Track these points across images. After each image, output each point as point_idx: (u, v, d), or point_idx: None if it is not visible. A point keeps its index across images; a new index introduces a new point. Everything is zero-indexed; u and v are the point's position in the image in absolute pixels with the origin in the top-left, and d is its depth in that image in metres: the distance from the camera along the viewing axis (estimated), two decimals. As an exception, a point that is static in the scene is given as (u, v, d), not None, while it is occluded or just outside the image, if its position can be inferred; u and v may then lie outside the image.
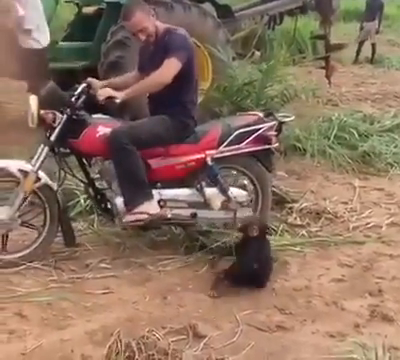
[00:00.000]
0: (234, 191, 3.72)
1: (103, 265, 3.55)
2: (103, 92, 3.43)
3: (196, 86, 3.77)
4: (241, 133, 3.66)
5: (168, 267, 3.55)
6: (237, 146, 3.67)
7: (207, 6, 6.45)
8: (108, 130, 3.47)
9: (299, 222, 4.20)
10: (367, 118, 6.45)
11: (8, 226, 3.49)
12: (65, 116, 3.44)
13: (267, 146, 3.74)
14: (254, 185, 3.84)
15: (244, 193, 3.76)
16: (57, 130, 3.45)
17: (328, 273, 3.54)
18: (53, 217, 3.57)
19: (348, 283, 3.43)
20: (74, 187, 4.43)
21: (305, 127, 5.86)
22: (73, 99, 3.47)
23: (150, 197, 3.51)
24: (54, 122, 3.45)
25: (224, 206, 3.68)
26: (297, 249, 3.80)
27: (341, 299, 3.23)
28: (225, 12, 6.67)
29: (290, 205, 4.41)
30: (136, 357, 2.50)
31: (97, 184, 3.65)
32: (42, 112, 3.48)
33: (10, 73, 5.93)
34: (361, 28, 12.12)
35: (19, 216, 3.51)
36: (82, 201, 4.28)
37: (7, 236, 3.56)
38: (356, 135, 5.81)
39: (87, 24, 6.52)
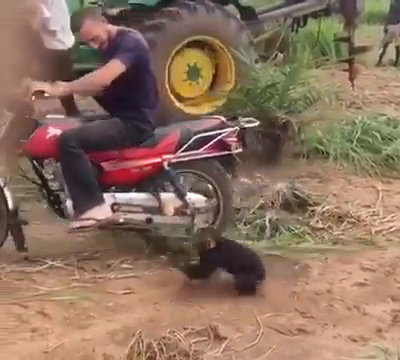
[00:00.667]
0: (192, 196, 3.67)
1: (125, 265, 3.57)
2: (36, 85, 3.33)
3: (154, 89, 3.65)
4: (200, 138, 3.59)
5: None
6: (195, 151, 3.59)
7: (231, 8, 6.45)
8: (58, 131, 3.43)
9: (321, 225, 4.18)
10: (391, 121, 6.37)
11: None
12: (12, 116, 3.41)
13: (227, 152, 3.67)
14: (215, 190, 3.76)
15: (203, 198, 3.70)
16: (4, 131, 3.42)
17: (350, 277, 3.52)
18: (2, 220, 3.47)
19: (370, 287, 3.41)
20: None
21: (328, 130, 5.82)
22: (23, 99, 3.41)
23: (100, 201, 3.43)
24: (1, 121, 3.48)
25: (180, 212, 3.62)
26: (319, 252, 3.78)
27: (363, 303, 3.21)
28: (249, 14, 6.65)
29: (312, 208, 4.38)
30: (157, 358, 2.52)
31: (50, 185, 3.56)
32: None
33: (33, 74, 5.99)
34: (385, 30, 12.01)
35: None
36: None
37: None
38: (379, 138, 5.75)
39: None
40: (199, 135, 3.59)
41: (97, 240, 3.87)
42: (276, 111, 5.33)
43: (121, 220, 3.51)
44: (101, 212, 3.42)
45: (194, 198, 3.66)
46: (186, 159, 3.59)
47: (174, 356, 2.54)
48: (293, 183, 4.61)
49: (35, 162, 3.53)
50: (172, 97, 6.15)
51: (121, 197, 3.54)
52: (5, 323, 2.94)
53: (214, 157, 3.67)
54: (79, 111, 5.85)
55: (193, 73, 6.25)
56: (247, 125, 3.76)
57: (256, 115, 5.42)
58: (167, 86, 6.10)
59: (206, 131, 3.63)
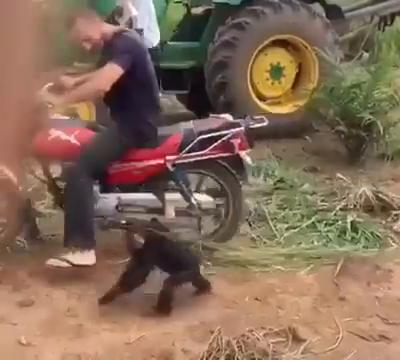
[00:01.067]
0: (199, 197, 3.60)
1: (206, 262, 3.57)
2: (43, 97, 3.36)
3: (153, 89, 3.57)
4: (204, 139, 3.50)
5: (267, 268, 3.53)
6: (199, 152, 3.50)
7: (316, 6, 6.36)
8: (59, 133, 3.43)
9: (405, 230, 4.06)
10: None
11: None
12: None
13: (232, 153, 3.54)
14: (224, 191, 3.69)
15: (210, 199, 3.64)
16: None
17: (435, 284, 3.39)
18: (16, 212, 3.58)
19: None
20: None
21: (415, 131, 5.64)
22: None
23: (90, 246, 3.33)
24: None
25: (187, 213, 3.57)
26: (403, 257, 3.67)
27: None
28: (334, 12, 6.53)
29: (396, 212, 4.24)
30: (236, 356, 2.51)
31: (58, 183, 3.62)
32: None
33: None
34: None
35: None
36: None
37: None
38: None
39: (195, 24, 6.63)
40: (202, 136, 3.50)
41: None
42: (360, 111, 5.22)
43: (123, 221, 3.43)
44: (86, 258, 3.32)
45: (201, 199, 3.61)
46: (189, 160, 3.51)
47: (252, 355, 2.53)
48: (376, 186, 4.50)
49: (42, 161, 3.60)
50: (253, 96, 6.15)
51: (125, 198, 3.55)
52: (88, 314, 3.04)
53: (220, 158, 3.59)
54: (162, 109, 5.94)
55: (276, 72, 6.22)
56: (254, 125, 3.62)
57: (340, 115, 5.37)
58: (249, 85, 6.10)
59: (211, 132, 3.52)
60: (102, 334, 2.88)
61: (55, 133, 3.44)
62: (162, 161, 3.49)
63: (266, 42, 6.07)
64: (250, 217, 4.19)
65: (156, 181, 3.56)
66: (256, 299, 3.19)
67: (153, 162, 3.50)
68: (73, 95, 3.42)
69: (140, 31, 5.56)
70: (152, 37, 5.69)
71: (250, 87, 6.11)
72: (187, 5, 6.96)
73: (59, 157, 3.50)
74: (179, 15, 7.29)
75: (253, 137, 3.60)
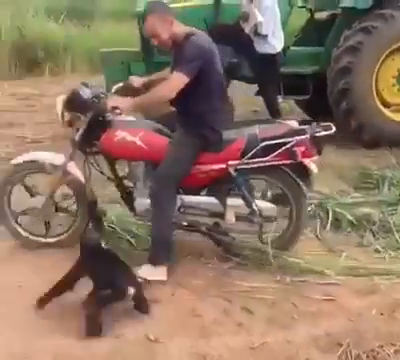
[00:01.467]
0: (261, 204, 3.53)
1: (327, 271, 3.52)
2: (111, 101, 3.40)
3: (218, 94, 3.50)
4: (268, 145, 3.42)
5: (396, 280, 3.41)
6: (261, 159, 3.44)
7: None
8: (125, 134, 3.48)
9: None
10: None
11: (43, 213, 3.74)
12: (87, 119, 3.51)
13: (294, 161, 3.44)
14: (288, 199, 3.59)
15: (272, 207, 3.56)
16: (80, 132, 3.55)
17: None
18: (83, 211, 3.73)
19: None
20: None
21: None
22: (95, 102, 3.51)
23: (167, 262, 3.47)
24: (77, 123, 3.56)
25: (247, 219, 3.52)
26: None
27: None
28: None
29: None
30: (367, 371, 2.46)
31: (125, 182, 3.70)
32: (66, 114, 3.59)
33: (244, 77, 6.21)
34: None
35: (53, 205, 3.75)
36: (306, 205, 4.34)
37: (49, 223, 3.81)
38: None
39: (319, 29, 6.55)
40: (266, 143, 3.44)
41: (308, 243, 3.89)
42: None
43: (185, 223, 3.56)
44: (158, 273, 3.43)
45: (262, 206, 3.55)
46: (252, 166, 3.47)
47: (383, 371, 2.47)
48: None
49: (110, 160, 3.66)
50: (377, 102, 5.98)
51: (188, 200, 3.56)
52: (211, 315, 3.08)
53: (284, 165, 3.51)
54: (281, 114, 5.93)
55: (402, 78, 6.02)
56: (320, 133, 3.47)
57: None
58: (373, 91, 5.94)
59: (275, 138, 3.45)
60: (225, 336, 2.90)
61: (121, 134, 3.51)
62: (224, 166, 3.49)
63: (394, 47, 5.88)
64: (374, 228, 4.08)
65: (219, 185, 3.57)
66: (383, 313, 3.09)
67: (216, 166, 3.50)
68: (138, 101, 3.44)
69: (265, 37, 5.60)
70: (276, 42, 5.69)
71: (374, 93, 5.94)
72: (311, 10, 6.89)
73: (125, 157, 3.62)
74: (302, 20, 7.23)
75: (322, 143, 3.51)
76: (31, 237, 3.84)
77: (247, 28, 5.64)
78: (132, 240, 3.86)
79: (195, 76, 3.32)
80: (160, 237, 3.48)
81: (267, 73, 5.68)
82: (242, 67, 6.08)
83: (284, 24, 6.12)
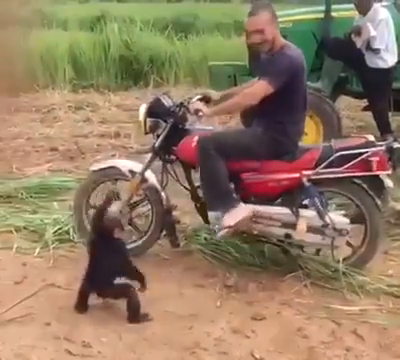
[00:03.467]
0: (334, 217, 3.43)
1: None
2: (194, 105, 3.48)
3: (301, 107, 3.53)
4: (342, 156, 3.39)
5: None
6: (336, 169, 3.39)
7: None
8: None
9: None
10: None
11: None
12: (168, 125, 3.61)
13: (370, 173, 3.39)
14: (362, 213, 3.50)
15: (345, 220, 3.46)
16: (160, 138, 3.64)
17: None
18: (158, 218, 3.75)
19: None
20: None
21: None
22: (176, 109, 3.60)
23: (234, 204, 3.43)
24: (159, 130, 3.64)
25: (320, 231, 3.44)
26: None
27: None
28: None
29: None
30: None
31: (199, 192, 3.66)
32: (148, 121, 3.62)
33: (352, 91, 6.06)
34: None
35: (128, 212, 3.76)
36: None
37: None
38: None
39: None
40: (341, 153, 3.37)
41: None
42: None
43: (256, 231, 3.51)
44: (235, 215, 3.41)
45: (336, 219, 3.43)
46: (325, 176, 3.41)
47: None
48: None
49: (186, 168, 3.71)
50: None
51: (260, 209, 3.48)
52: (320, 337, 2.99)
53: (357, 177, 3.43)
54: (392, 130, 5.72)
55: None
56: (396, 145, 3.40)
57: None
58: None
59: (349, 149, 3.40)
60: (334, 360, 2.82)
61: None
62: (298, 175, 3.44)
63: None
64: None
65: (292, 196, 3.51)
66: None
67: (289, 175, 3.47)
68: (222, 107, 3.56)
69: (377, 51, 5.44)
70: (389, 57, 5.51)
71: None
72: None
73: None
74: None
75: (398, 160, 3.44)
76: None
77: (359, 43, 5.50)
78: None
79: (280, 91, 3.36)
80: (215, 186, 3.46)
81: (378, 88, 5.51)
82: (351, 81, 5.96)
83: (397, 37, 5.91)
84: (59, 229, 4.14)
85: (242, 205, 3.46)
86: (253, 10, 3.44)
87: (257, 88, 3.42)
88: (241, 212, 3.43)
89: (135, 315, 3.08)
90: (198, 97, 3.80)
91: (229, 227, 3.44)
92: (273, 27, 3.43)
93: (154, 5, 23.10)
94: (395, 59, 5.56)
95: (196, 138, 3.58)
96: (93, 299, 3.19)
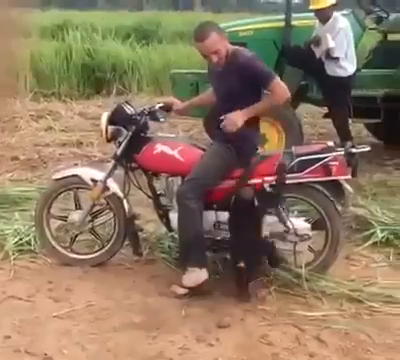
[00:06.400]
0: (296, 222, 3.48)
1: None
2: (234, 116, 3.40)
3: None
4: (302, 161, 3.43)
5: None
6: (297, 174, 3.42)
7: None
8: (164, 147, 3.57)
9: None
10: None
11: (79, 228, 3.79)
12: (130, 133, 3.61)
13: (329, 178, 3.45)
14: (323, 218, 3.54)
15: (306, 226, 3.50)
16: (122, 146, 3.64)
17: None
18: (120, 226, 3.74)
19: None
20: (370, 217, 4.41)
21: None
22: (138, 117, 3.62)
23: (201, 265, 3.41)
24: (120, 138, 3.65)
25: (282, 237, 3.47)
26: None
27: None
28: None
29: None
30: None
31: (161, 199, 3.68)
32: (110, 128, 3.62)
33: (313, 99, 6.15)
34: None
35: (90, 221, 3.78)
36: (378, 232, 4.22)
37: (76, 238, 3.84)
38: None
39: (391, 51, 6.40)
40: (302, 158, 3.43)
41: (381, 271, 3.78)
42: None
43: (219, 238, 3.52)
44: (197, 278, 3.39)
45: (297, 224, 3.48)
46: (287, 182, 3.44)
47: None
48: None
49: (148, 176, 3.70)
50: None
51: (223, 216, 3.51)
52: (284, 343, 3.00)
53: (317, 182, 3.49)
54: (352, 137, 5.82)
55: None
56: (355, 150, 3.49)
57: None
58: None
59: (309, 155, 3.46)
60: (297, 366, 2.82)
61: (160, 147, 3.60)
62: (260, 181, 3.47)
63: None
64: None
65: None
66: None
67: (250, 182, 3.50)
68: (257, 107, 3.45)
69: (337, 59, 5.53)
70: (348, 65, 5.59)
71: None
72: (383, 31, 6.78)
73: (163, 171, 3.65)
74: (373, 42, 7.13)
75: (356, 165, 3.53)
76: (62, 250, 3.85)
77: (318, 53, 5.58)
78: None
79: (251, 86, 3.40)
80: (188, 240, 3.44)
81: (338, 96, 5.59)
82: (312, 89, 6.04)
83: (356, 46, 6.03)
84: (20, 240, 4.08)
85: (205, 270, 3.43)
86: (200, 35, 3.39)
87: (279, 83, 3.42)
88: (203, 276, 3.41)
89: None
90: (160, 105, 3.81)
91: (188, 288, 3.41)
92: (224, 42, 3.44)
93: (116, 13, 23.08)
94: (354, 67, 5.66)
95: (160, 147, 3.59)
96: (53, 310, 3.14)
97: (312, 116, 7.64)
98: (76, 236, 3.87)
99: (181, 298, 3.41)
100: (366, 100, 6.00)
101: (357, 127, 7.23)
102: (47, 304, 3.35)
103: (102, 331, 3.09)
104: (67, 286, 3.56)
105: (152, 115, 3.68)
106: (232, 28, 5.95)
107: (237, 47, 3.53)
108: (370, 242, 4.16)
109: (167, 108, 3.82)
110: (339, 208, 3.60)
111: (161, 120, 3.66)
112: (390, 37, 6.72)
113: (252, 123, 3.52)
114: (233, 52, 3.47)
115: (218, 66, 3.49)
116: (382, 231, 4.21)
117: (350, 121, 5.91)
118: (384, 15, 6.46)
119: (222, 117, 3.43)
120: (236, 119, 3.39)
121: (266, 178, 3.48)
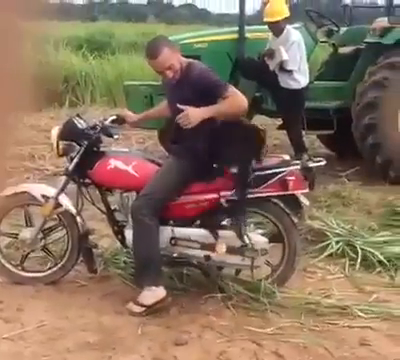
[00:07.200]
0: (254, 237, 3.45)
1: (360, 313, 3.39)
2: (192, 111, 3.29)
3: (211, 124, 3.39)
4: (259, 176, 3.43)
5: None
6: (254, 190, 3.43)
7: None
8: (117, 163, 3.52)
9: None
10: None
11: (30, 246, 3.67)
12: (82, 148, 3.56)
13: (287, 192, 3.46)
14: (280, 232, 3.56)
15: (264, 240, 3.49)
16: (74, 161, 3.57)
17: None
18: (74, 243, 3.66)
19: None
20: (326, 228, 4.44)
21: None
22: (90, 132, 3.57)
23: (157, 283, 3.37)
24: (72, 153, 3.58)
25: (240, 252, 3.44)
26: None
27: None
28: None
29: None
30: None
31: (116, 215, 3.64)
32: (61, 144, 3.58)
33: (267, 111, 6.19)
34: None
35: (42, 239, 3.68)
36: (334, 243, 4.24)
37: (27, 255, 3.73)
38: None
39: (342, 64, 6.52)
40: (258, 173, 3.43)
41: (337, 283, 3.79)
42: None
43: (175, 254, 3.47)
44: (155, 296, 3.36)
45: (255, 239, 3.47)
46: (245, 197, 3.44)
47: None
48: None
49: (101, 191, 3.65)
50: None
51: (179, 231, 3.47)
52: (242, 359, 2.95)
53: (275, 196, 3.50)
54: (306, 148, 5.86)
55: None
56: (311, 164, 3.58)
57: None
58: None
59: (266, 169, 3.46)
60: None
61: (114, 163, 3.54)
62: (216, 196, 3.45)
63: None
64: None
65: (211, 217, 3.50)
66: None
67: (207, 196, 3.47)
68: (217, 108, 3.34)
69: (290, 72, 5.58)
70: (301, 77, 5.65)
71: (400, 131, 5.87)
72: (334, 44, 6.90)
73: (117, 186, 3.59)
74: (324, 55, 7.24)
75: (313, 178, 3.59)
76: (12, 269, 3.73)
77: (272, 65, 5.62)
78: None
79: (206, 99, 3.31)
80: (144, 257, 3.39)
81: (292, 108, 5.64)
82: (266, 101, 6.08)
83: (309, 58, 6.11)
84: (-31, 257, 3.91)
85: (162, 287, 3.38)
86: (153, 52, 3.34)
87: (235, 92, 3.34)
88: (160, 293, 3.37)
89: None
90: (113, 118, 3.74)
91: (145, 307, 3.34)
92: (177, 56, 3.41)
93: (68, 23, 22.82)
94: (307, 80, 5.72)
95: (113, 163, 3.52)
96: (4, 331, 3.02)
97: (266, 127, 7.66)
98: (27, 254, 3.75)
99: (137, 316, 3.33)
100: (319, 112, 6.08)
101: (310, 138, 7.31)
102: (-3, 325, 3.23)
103: (55, 352, 2.98)
104: (18, 306, 3.44)
105: (105, 131, 3.61)
106: (186, 40, 5.96)
107: (191, 60, 3.49)
108: (326, 254, 4.19)
109: (120, 121, 3.76)
110: (295, 221, 3.60)
111: (115, 137, 3.57)
112: (340, 50, 6.83)
113: (203, 135, 3.41)
114: (187, 65, 3.43)
115: (172, 79, 3.45)
116: (337, 243, 4.23)
117: (304, 133, 5.97)
118: (335, 28, 6.59)
119: (182, 107, 3.30)
120: (194, 115, 3.26)
121: (223, 193, 3.44)
